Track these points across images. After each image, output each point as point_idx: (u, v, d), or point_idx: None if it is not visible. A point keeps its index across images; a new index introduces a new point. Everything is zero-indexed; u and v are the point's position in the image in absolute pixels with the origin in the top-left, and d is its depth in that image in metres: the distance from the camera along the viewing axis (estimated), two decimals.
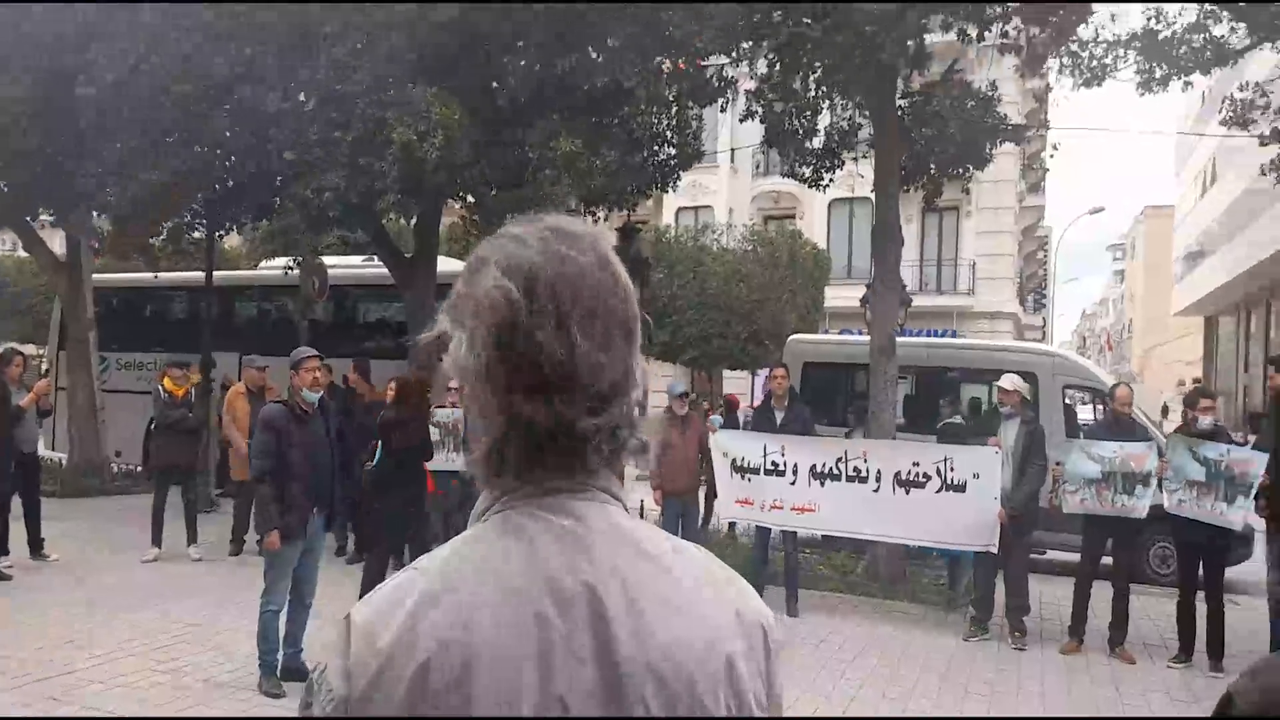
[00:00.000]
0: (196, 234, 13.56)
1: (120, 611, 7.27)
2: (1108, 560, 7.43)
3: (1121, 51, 10.02)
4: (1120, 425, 7.54)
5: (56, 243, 15.46)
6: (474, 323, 0.95)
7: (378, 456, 7.34)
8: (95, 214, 13.33)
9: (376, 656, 0.89)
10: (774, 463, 8.27)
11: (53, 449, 13.12)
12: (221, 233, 13.50)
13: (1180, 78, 10.01)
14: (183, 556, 9.11)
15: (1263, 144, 10.80)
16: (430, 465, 7.63)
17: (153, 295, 15.91)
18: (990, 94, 10.35)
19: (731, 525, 10.51)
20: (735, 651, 0.96)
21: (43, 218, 14.97)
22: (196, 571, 8.77)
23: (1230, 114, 11.12)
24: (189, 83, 10.17)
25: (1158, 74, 9.92)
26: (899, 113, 10.08)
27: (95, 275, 14.57)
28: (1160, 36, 9.85)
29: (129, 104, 10.58)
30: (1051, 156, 14.27)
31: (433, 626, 0.88)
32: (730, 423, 11.56)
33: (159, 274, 14.24)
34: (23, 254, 17.33)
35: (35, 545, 8.92)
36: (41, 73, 11.29)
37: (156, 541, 9.08)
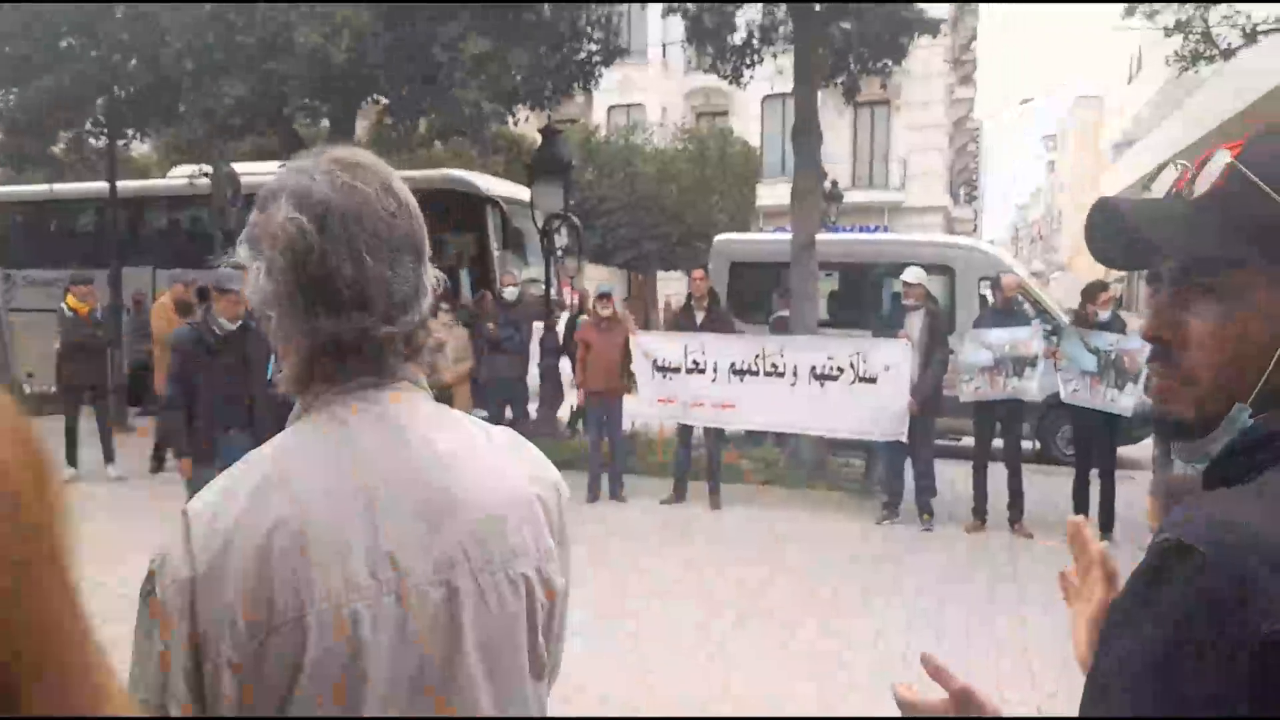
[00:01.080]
0: (100, 142, 12.99)
1: None
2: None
3: None
4: (1008, 312, 7.90)
5: None
6: (271, 253, 1.05)
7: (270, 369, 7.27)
8: None
9: (217, 537, 0.98)
10: (695, 361, 8.42)
11: None
12: (124, 141, 12.93)
13: None
14: (101, 476, 8.99)
15: (1167, 35, 10.93)
16: None
17: (56, 209, 15.24)
18: None
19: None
20: (540, 495, 1.14)
21: None
22: (117, 490, 8.71)
23: (1129, 4, 11.18)
24: None
25: None
26: (817, 6, 9.95)
27: None
28: None
29: (12, 11, 9.98)
30: (966, 51, 14.24)
31: (270, 507, 0.99)
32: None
33: (53, 185, 13.59)
34: None
35: None
36: None
37: (71, 462, 8.94)
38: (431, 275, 1.13)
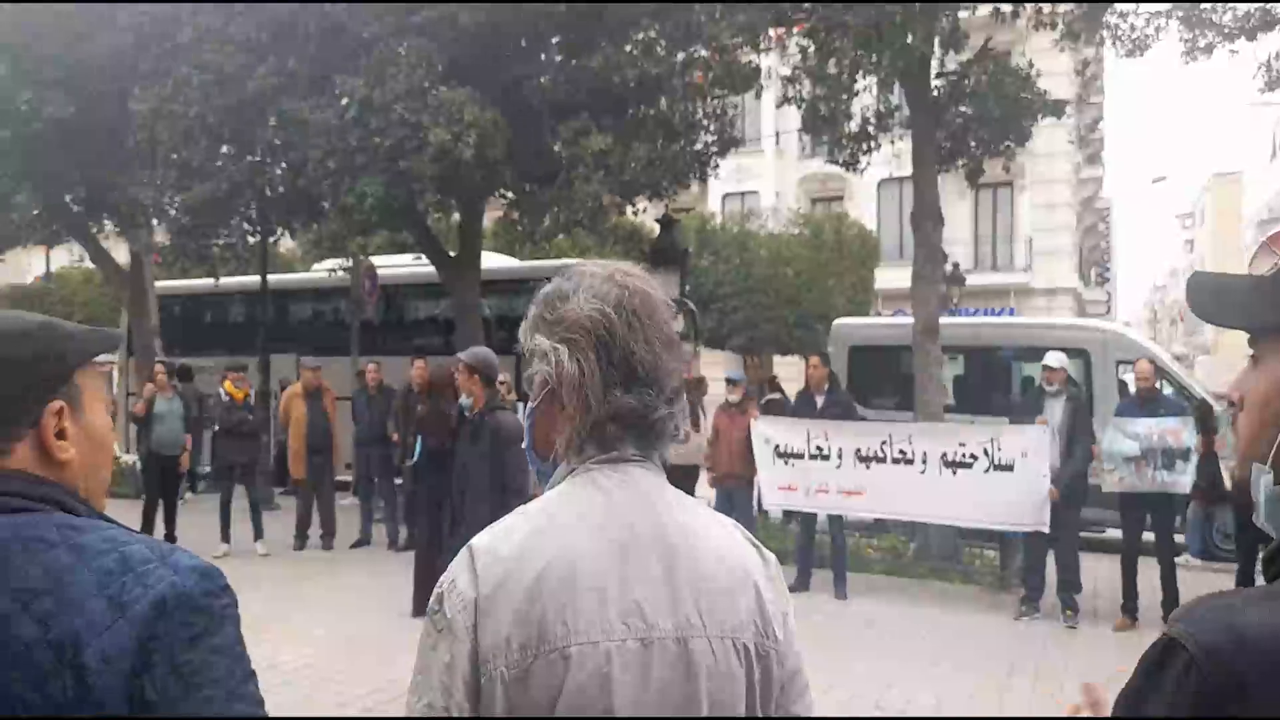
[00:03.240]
0: (251, 239, 13.97)
1: None
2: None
3: (1163, 21, 9.79)
4: (1146, 399, 7.49)
5: (121, 252, 16.06)
6: (573, 336, 1.23)
7: (417, 451, 7.51)
8: (155, 223, 13.84)
9: (498, 567, 1.15)
10: (818, 447, 8.29)
11: (126, 451, 13.59)
12: (274, 238, 13.86)
13: (1225, 45, 9.76)
14: (250, 552, 9.44)
15: None
16: None
17: (213, 301, 16.42)
18: (1028, 69, 10.18)
19: (786, 514, 10.45)
20: (759, 580, 1.26)
21: (107, 228, 15.59)
22: (264, 565, 9.11)
23: (1268, 80, 10.75)
24: (234, 97, 10.50)
25: (1201, 42, 9.68)
26: (934, 92, 9.96)
27: (157, 283, 15.07)
28: (1202, 5, 9.61)
29: (179, 121, 10.94)
30: (1093, 130, 13.93)
31: (542, 549, 1.15)
32: None
33: (218, 279, 14.68)
34: (89, 265, 18.08)
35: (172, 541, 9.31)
36: (92, 93, 11.73)
37: (225, 538, 9.47)
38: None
